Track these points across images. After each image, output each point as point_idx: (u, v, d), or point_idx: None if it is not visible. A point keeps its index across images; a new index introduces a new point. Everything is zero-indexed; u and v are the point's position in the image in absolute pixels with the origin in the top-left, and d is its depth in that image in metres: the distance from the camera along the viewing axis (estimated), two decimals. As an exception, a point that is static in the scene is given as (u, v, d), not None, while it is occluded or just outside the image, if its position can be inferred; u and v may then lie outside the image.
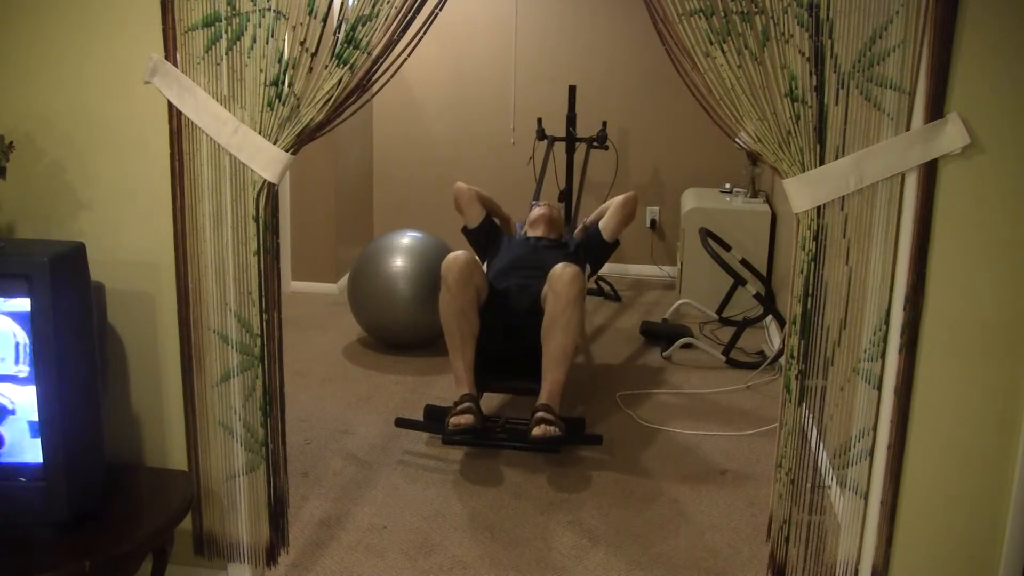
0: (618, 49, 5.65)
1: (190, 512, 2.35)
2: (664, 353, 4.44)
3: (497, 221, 4.09)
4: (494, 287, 3.56)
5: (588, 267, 4.02)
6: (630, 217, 3.97)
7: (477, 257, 3.82)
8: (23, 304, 1.89)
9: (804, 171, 2.02)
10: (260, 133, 2.14)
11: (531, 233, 4.00)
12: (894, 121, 1.96)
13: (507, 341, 3.50)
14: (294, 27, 2.07)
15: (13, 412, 1.95)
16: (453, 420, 3.10)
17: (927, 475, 2.09)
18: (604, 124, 5.17)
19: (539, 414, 3.11)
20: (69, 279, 1.95)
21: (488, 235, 4.00)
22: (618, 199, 3.99)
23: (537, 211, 4.08)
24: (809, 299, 2.08)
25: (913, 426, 2.07)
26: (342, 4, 2.11)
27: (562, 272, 3.26)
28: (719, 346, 4.46)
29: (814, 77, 1.96)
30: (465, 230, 4.04)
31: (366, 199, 5.94)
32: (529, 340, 3.33)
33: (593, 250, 3.98)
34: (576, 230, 4.16)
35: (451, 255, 3.35)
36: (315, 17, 2.06)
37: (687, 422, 3.68)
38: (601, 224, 3.97)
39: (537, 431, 3.06)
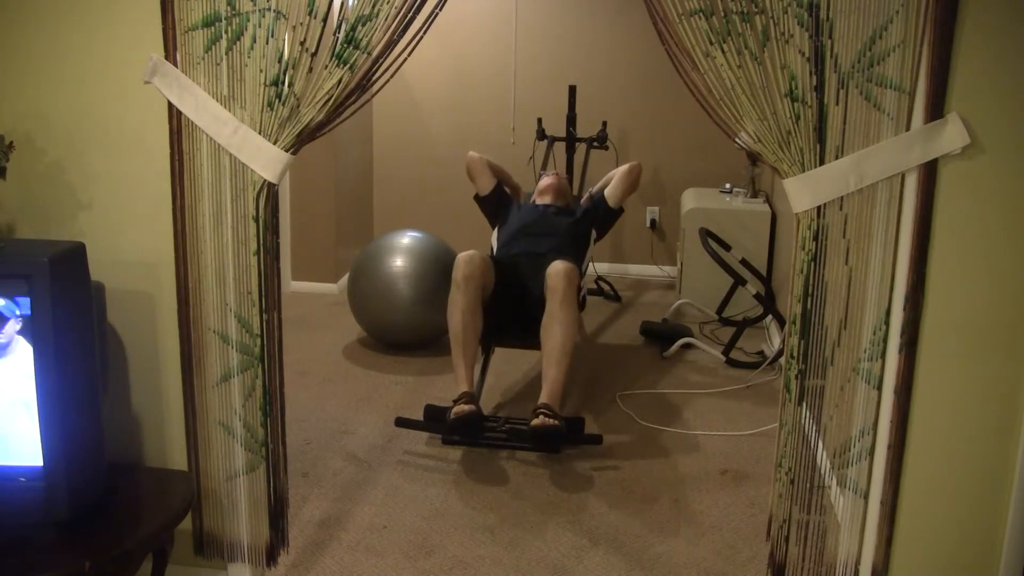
0: (618, 49, 5.65)
1: (190, 512, 2.35)
2: (664, 353, 4.44)
3: (507, 190, 4.24)
4: (503, 250, 3.79)
5: (594, 232, 4.15)
6: (634, 185, 4.16)
7: (490, 230, 3.91)
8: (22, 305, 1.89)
9: (804, 171, 2.02)
10: (260, 133, 2.14)
11: (539, 201, 4.15)
12: (894, 121, 1.96)
13: (517, 305, 3.61)
14: (294, 27, 2.07)
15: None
16: (456, 409, 3.13)
17: (927, 475, 2.09)
18: (604, 124, 5.17)
19: (539, 410, 3.12)
20: (69, 279, 1.95)
21: (499, 202, 4.16)
22: (622, 168, 4.17)
23: (545, 180, 4.26)
24: (809, 299, 2.08)
25: (913, 426, 2.07)
26: (342, 4, 2.11)
27: (558, 268, 3.37)
28: (719, 346, 4.46)
29: (814, 77, 1.96)
30: (477, 197, 4.19)
31: (366, 199, 5.94)
32: (538, 304, 3.44)
33: (598, 217, 4.13)
34: (583, 199, 4.30)
35: (463, 254, 3.46)
36: (315, 17, 2.06)
37: (687, 422, 3.68)
38: (607, 192, 4.13)
39: (536, 421, 3.07)
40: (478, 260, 3.43)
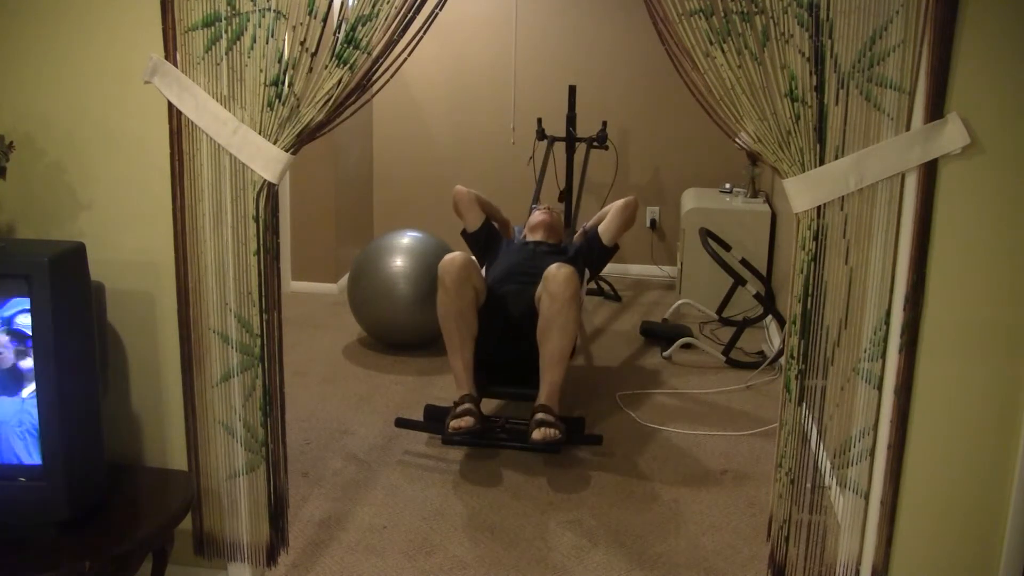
0: (618, 49, 5.66)
1: (190, 512, 2.35)
2: (664, 353, 4.44)
3: (496, 225, 4.07)
4: (492, 292, 3.54)
5: (587, 272, 4.01)
6: (630, 222, 3.96)
7: (475, 260, 3.82)
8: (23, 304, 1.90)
9: (804, 171, 2.02)
10: (260, 133, 2.14)
11: (530, 238, 3.97)
12: (894, 121, 1.96)
13: (505, 346, 3.48)
14: (294, 27, 2.07)
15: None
16: (453, 423, 3.10)
17: (927, 475, 2.09)
18: (604, 124, 5.17)
19: (538, 415, 3.11)
20: (69, 279, 1.95)
21: (487, 239, 3.98)
22: (618, 203, 3.98)
23: (537, 216, 4.06)
24: (809, 299, 2.08)
25: (913, 426, 2.07)
26: (342, 4, 2.11)
27: (556, 273, 3.23)
28: (719, 346, 4.46)
29: (814, 77, 1.96)
30: (464, 234, 4.03)
31: (366, 199, 5.95)
32: (527, 344, 3.31)
33: (592, 255, 3.96)
34: (576, 235, 4.15)
35: (448, 256, 3.36)
36: (315, 17, 2.06)
37: (687, 422, 3.68)
38: (600, 228, 3.95)
39: (537, 435, 3.05)
40: (462, 262, 3.29)
